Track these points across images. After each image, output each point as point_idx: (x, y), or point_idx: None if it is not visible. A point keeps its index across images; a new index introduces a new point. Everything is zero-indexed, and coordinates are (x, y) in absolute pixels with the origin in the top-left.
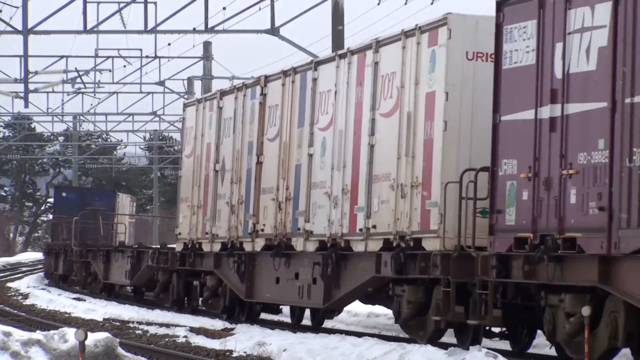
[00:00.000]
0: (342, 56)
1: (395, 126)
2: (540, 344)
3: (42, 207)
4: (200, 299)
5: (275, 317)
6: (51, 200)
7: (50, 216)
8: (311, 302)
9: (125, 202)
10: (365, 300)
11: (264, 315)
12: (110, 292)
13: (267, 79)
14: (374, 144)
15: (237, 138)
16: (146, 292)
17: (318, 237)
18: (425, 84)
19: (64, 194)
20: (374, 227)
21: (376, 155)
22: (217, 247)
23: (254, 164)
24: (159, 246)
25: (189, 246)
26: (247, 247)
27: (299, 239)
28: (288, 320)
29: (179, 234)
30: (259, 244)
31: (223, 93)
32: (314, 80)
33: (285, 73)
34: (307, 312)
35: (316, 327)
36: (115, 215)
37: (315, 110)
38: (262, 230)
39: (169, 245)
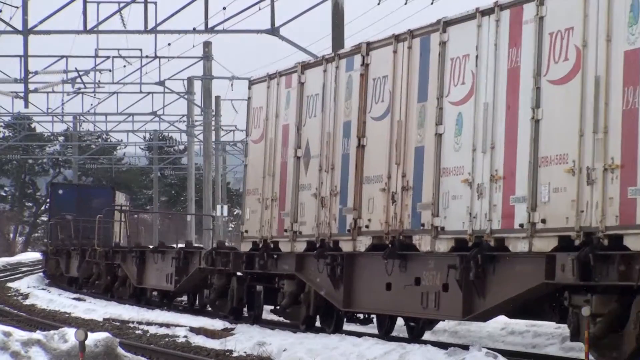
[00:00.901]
0: (485, 12)
1: (575, 95)
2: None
3: (42, 207)
4: (270, 307)
5: (363, 329)
6: None
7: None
8: (442, 314)
9: (120, 201)
10: (517, 314)
11: (348, 326)
12: (141, 298)
13: (370, 46)
14: (540, 118)
15: (328, 118)
16: (177, 297)
17: (452, 234)
18: (624, 41)
19: (60, 192)
20: (543, 221)
21: (543, 132)
22: (300, 246)
23: (352, 148)
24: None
25: (260, 245)
26: (345, 247)
27: (423, 236)
28: (375, 331)
29: (246, 231)
30: (363, 243)
31: (306, 66)
32: (442, 44)
33: (397, 38)
34: (399, 322)
35: (415, 338)
36: (138, 213)
37: (444, 81)
38: (367, 226)
39: (194, 244)
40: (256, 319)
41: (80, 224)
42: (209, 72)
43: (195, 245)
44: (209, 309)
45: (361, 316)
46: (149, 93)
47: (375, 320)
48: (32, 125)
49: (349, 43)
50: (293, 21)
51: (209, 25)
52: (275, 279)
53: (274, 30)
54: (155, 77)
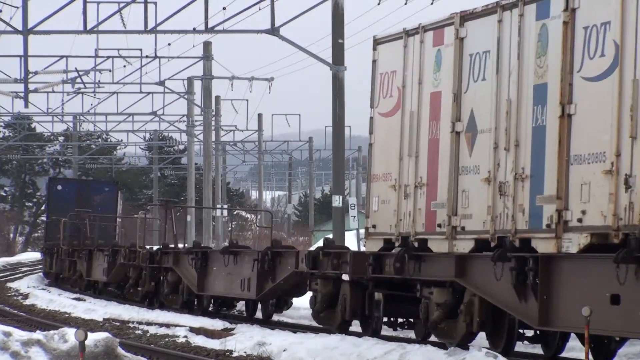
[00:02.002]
0: None
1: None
2: None
3: (42, 207)
4: (407, 319)
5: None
6: None
7: None
8: None
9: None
10: None
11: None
12: (198, 307)
13: None
14: None
15: (507, 81)
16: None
17: None
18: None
19: (58, 187)
20: None
21: None
22: (464, 245)
23: (553, 119)
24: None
25: (396, 244)
26: (542, 247)
27: None
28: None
29: (373, 226)
30: (574, 242)
31: (467, 16)
32: None
33: None
34: None
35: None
36: (185, 208)
37: None
38: (580, 220)
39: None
40: (375, 335)
41: (98, 222)
42: (209, 72)
43: (286, 245)
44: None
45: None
46: (149, 93)
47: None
48: (32, 125)
49: (349, 43)
50: (293, 21)
51: (209, 25)
52: (417, 286)
53: (274, 30)
54: (155, 77)
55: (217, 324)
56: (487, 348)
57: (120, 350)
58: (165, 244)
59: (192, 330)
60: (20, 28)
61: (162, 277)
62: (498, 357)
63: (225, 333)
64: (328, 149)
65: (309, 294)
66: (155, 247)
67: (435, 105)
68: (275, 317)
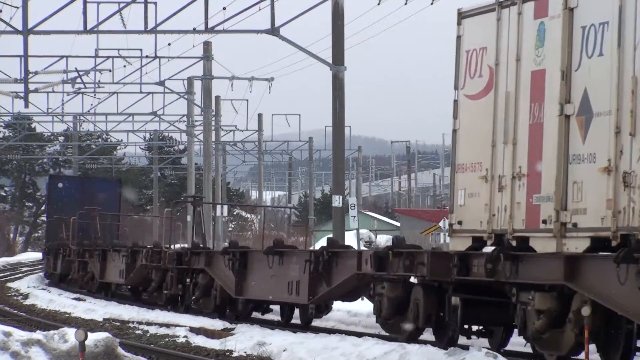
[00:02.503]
0: None
1: None
2: None
3: (43, 207)
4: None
5: None
6: None
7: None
8: None
9: None
10: None
11: None
12: (233, 312)
13: None
14: None
15: (630, 56)
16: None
17: None
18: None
19: (60, 185)
20: None
21: None
22: (576, 244)
23: None
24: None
25: (488, 242)
26: None
27: None
28: None
29: (459, 222)
30: None
31: None
32: None
33: None
34: None
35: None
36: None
37: None
38: None
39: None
40: (450, 343)
41: (109, 221)
42: (209, 72)
43: (344, 244)
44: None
45: None
46: (149, 93)
47: None
48: (32, 125)
49: (349, 43)
50: (293, 21)
51: (209, 25)
52: (512, 290)
53: (274, 30)
54: (155, 77)
55: (217, 324)
56: (487, 348)
57: (120, 350)
58: (195, 244)
59: (192, 330)
60: (20, 28)
61: (190, 280)
62: (498, 357)
63: (225, 333)
64: (328, 149)
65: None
66: (176, 247)
67: (537, 85)
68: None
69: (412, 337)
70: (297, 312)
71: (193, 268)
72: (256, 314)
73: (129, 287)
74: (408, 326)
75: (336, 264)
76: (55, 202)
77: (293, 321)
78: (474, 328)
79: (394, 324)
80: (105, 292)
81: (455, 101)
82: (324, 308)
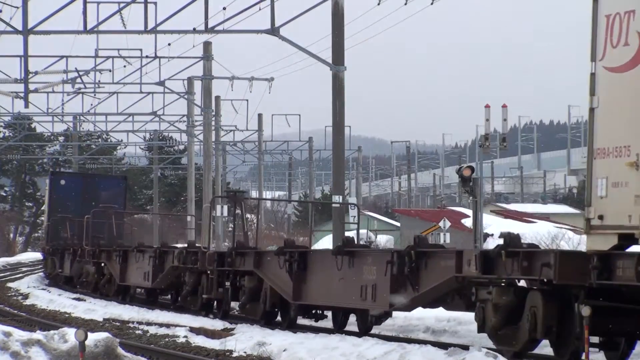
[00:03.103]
0: None
1: None
2: None
3: (43, 207)
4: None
5: None
6: None
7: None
8: None
9: None
10: None
11: None
12: (285, 319)
13: None
14: None
15: None
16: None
17: None
18: None
19: (62, 182)
20: None
21: None
22: None
23: None
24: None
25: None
26: None
27: None
28: None
29: (599, 217)
30: None
31: None
32: None
33: None
34: None
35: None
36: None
37: None
38: None
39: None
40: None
41: (123, 220)
42: (209, 72)
43: (436, 244)
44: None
45: None
46: (149, 93)
47: None
48: (32, 125)
49: (349, 43)
50: (293, 21)
51: (209, 25)
52: None
53: (274, 30)
54: (155, 77)
55: (217, 324)
56: (487, 348)
57: (120, 350)
58: (240, 243)
59: (192, 330)
60: (20, 28)
61: (233, 283)
62: (498, 357)
63: (225, 333)
64: (328, 149)
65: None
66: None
67: None
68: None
69: (526, 350)
70: (351, 318)
71: (238, 270)
72: (304, 321)
73: (157, 290)
74: (522, 338)
75: (426, 265)
76: (57, 199)
77: (348, 328)
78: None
79: (505, 334)
80: (122, 296)
81: (592, 75)
82: (385, 313)
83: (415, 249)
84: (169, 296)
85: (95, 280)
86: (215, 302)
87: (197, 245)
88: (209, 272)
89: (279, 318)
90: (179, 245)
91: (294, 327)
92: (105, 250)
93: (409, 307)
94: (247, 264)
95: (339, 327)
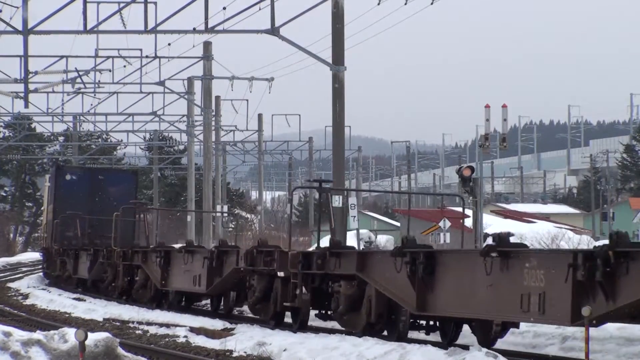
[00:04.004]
0: None
1: None
2: None
3: (42, 208)
4: None
5: None
6: None
7: None
8: None
9: None
10: None
11: None
12: (393, 330)
13: None
14: None
15: None
16: None
17: None
18: None
19: (68, 177)
20: None
21: None
22: None
23: None
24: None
25: None
26: None
27: None
28: None
29: None
30: None
31: None
32: None
33: None
34: None
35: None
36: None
37: None
38: None
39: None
40: None
41: (150, 220)
42: (209, 72)
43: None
44: None
45: None
46: (149, 93)
47: None
48: (32, 125)
49: (349, 43)
50: (293, 21)
51: (209, 25)
52: None
53: (274, 30)
54: (155, 77)
55: (217, 324)
56: (487, 348)
57: (120, 350)
58: (336, 242)
59: (192, 330)
60: (20, 28)
61: (323, 289)
62: (498, 357)
63: (225, 333)
64: (328, 149)
65: None
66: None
67: None
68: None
69: None
70: (465, 328)
71: (333, 274)
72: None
73: (210, 297)
74: None
75: (627, 270)
76: (62, 195)
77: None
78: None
79: None
80: (158, 304)
81: None
82: (511, 324)
83: (613, 248)
84: (209, 302)
85: (123, 284)
86: (290, 311)
87: (270, 245)
88: (285, 275)
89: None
90: (176, 245)
91: (404, 340)
92: (141, 251)
93: (601, 321)
94: (347, 267)
95: (449, 342)
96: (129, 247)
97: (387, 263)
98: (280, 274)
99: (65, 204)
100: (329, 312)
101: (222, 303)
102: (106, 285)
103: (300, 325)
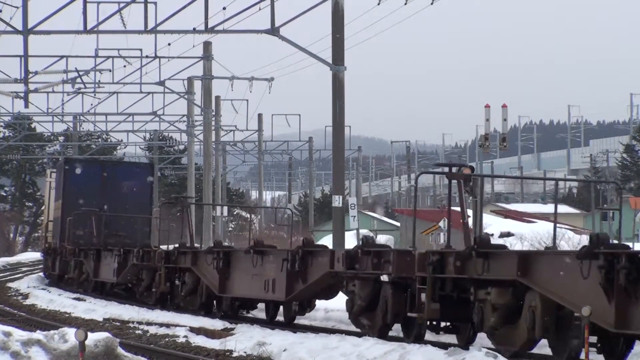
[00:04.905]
0: None
1: None
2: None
3: (42, 207)
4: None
5: None
6: None
7: None
8: None
9: None
10: None
11: None
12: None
13: None
14: None
15: None
16: None
17: None
18: None
19: (78, 171)
20: None
21: None
22: None
23: None
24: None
25: None
26: None
27: None
28: None
29: None
30: None
31: None
32: None
33: None
34: None
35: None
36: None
37: None
38: None
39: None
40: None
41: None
42: (209, 72)
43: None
44: None
45: None
46: (149, 93)
47: None
48: (32, 125)
49: (349, 43)
50: (293, 21)
51: (209, 25)
52: None
53: (274, 30)
54: (155, 77)
55: (217, 324)
56: (487, 348)
57: (120, 350)
58: (485, 240)
59: (192, 330)
60: (20, 28)
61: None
62: (498, 357)
63: (225, 333)
64: (328, 149)
65: None
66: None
67: None
68: None
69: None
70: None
71: (479, 279)
72: None
73: (286, 307)
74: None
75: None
76: (72, 191)
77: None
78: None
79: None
80: (207, 312)
81: None
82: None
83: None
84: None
85: (165, 289)
86: None
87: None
88: (393, 280)
89: None
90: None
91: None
92: (190, 252)
93: None
94: (501, 270)
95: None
96: (181, 247)
97: (564, 267)
98: (384, 277)
99: (75, 200)
100: (471, 324)
101: (280, 311)
102: (142, 290)
103: (416, 338)
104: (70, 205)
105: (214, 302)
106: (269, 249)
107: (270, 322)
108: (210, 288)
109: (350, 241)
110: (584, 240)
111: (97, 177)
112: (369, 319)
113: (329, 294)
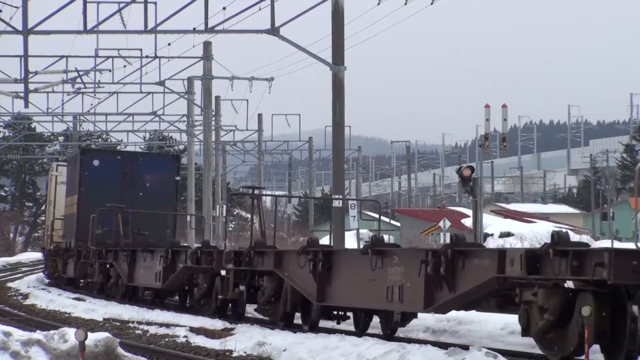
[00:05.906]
0: None
1: None
2: None
3: (42, 207)
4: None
5: None
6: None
7: None
8: None
9: None
10: None
11: None
12: None
13: None
14: None
15: None
16: None
17: None
18: None
19: (95, 163)
20: None
21: None
22: None
23: None
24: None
25: None
26: None
27: None
28: None
29: None
30: None
31: None
32: None
33: None
34: None
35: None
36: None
37: None
38: None
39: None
40: None
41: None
42: (209, 72)
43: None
44: None
45: None
46: (149, 93)
47: None
48: (32, 125)
49: (349, 43)
50: (293, 21)
51: (209, 25)
52: None
53: (274, 30)
54: (155, 77)
55: (217, 324)
56: (487, 348)
57: (120, 350)
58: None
59: (192, 330)
60: (20, 28)
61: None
62: (498, 357)
63: (225, 333)
64: (328, 149)
65: None
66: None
67: None
68: None
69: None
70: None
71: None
72: None
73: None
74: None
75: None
76: (90, 185)
77: None
78: None
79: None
80: (287, 324)
81: None
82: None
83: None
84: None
85: (232, 296)
86: None
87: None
88: None
89: None
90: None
91: None
92: (271, 253)
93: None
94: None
95: None
96: (254, 247)
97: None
98: (569, 284)
99: (94, 195)
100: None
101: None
102: (198, 298)
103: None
104: (87, 201)
105: (301, 311)
106: (393, 248)
107: (360, 335)
108: (298, 295)
109: (350, 241)
110: (584, 240)
111: (117, 170)
112: (560, 338)
113: (476, 304)
